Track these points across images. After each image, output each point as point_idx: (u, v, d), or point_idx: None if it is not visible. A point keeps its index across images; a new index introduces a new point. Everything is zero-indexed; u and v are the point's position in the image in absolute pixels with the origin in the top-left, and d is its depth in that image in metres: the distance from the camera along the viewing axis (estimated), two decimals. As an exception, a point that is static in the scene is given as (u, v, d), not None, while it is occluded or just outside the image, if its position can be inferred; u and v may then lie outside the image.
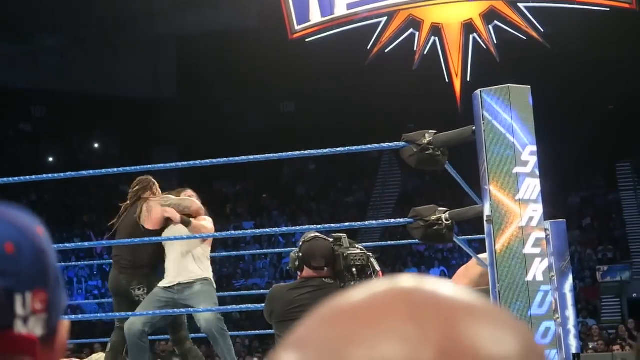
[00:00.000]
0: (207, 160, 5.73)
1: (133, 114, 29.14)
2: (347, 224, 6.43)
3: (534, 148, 4.18)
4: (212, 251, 6.94)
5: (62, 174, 6.21)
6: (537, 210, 4.09)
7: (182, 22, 28.86)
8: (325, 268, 4.82)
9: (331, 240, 4.89)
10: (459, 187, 5.48)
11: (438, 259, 25.46)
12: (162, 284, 6.50)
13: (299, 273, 4.89)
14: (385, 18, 25.58)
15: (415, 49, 25.43)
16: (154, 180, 6.91)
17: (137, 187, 6.89)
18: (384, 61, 25.43)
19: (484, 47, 25.08)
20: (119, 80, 29.51)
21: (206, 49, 28.65)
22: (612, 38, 25.50)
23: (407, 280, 0.57)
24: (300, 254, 4.84)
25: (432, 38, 25.46)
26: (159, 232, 6.64)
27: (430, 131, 4.61)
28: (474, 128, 4.32)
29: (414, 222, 4.70)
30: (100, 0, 27.56)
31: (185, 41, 29.74)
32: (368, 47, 25.61)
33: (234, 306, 7.70)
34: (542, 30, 24.77)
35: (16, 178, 6.07)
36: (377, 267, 4.91)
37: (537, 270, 4.02)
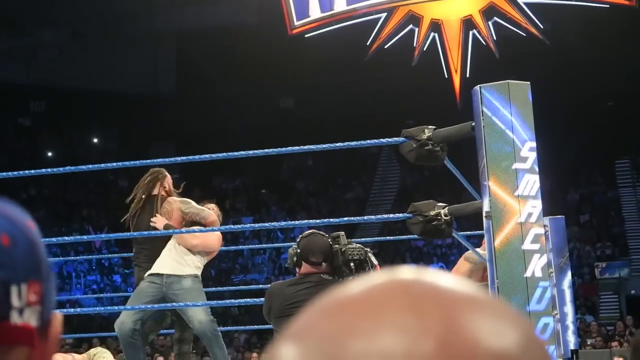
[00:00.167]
0: (206, 155, 5.73)
1: (132, 110, 29.14)
2: (345, 218, 6.43)
3: (534, 144, 4.18)
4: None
5: (61, 169, 6.20)
6: (536, 206, 4.10)
7: (182, 18, 28.84)
8: (324, 263, 4.84)
9: (329, 239, 4.90)
10: (458, 182, 5.48)
11: (437, 254, 25.48)
12: (149, 272, 6.43)
13: (297, 269, 4.91)
14: (385, 14, 25.57)
15: (414, 45, 25.42)
16: (166, 173, 6.85)
17: (148, 179, 6.83)
18: (383, 57, 25.42)
19: (484, 43, 25.08)
20: (118, 75, 29.51)
21: (206, 44, 28.63)
22: (611, 35, 25.49)
23: (407, 272, 0.57)
24: (299, 250, 4.85)
25: (432, 34, 25.45)
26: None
27: (430, 127, 4.61)
28: (473, 124, 4.32)
29: (413, 217, 4.70)
30: (99, -5, 27.57)
31: (185, 37, 29.72)
32: (367, 43, 25.60)
33: (233, 301, 7.70)
34: (542, 27, 24.76)
35: (15, 172, 6.06)
36: (375, 262, 4.92)
37: (536, 266, 4.02)
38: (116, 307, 6.52)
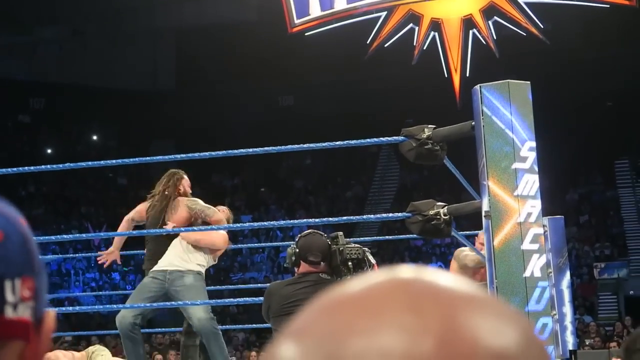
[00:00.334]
0: (206, 153, 5.74)
1: (132, 107, 29.13)
2: (345, 217, 6.43)
3: (533, 144, 4.18)
4: None
5: (60, 165, 6.20)
6: (535, 206, 4.09)
7: (182, 15, 28.84)
8: (322, 263, 4.85)
9: (327, 239, 4.91)
10: (457, 182, 5.48)
11: (435, 254, 25.47)
12: (152, 269, 6.49)
13: (296, 269, 4.92)
14: (385, 13, 25.57)
15: (414, 44, 25.41)
16: (182, 175, 6.88)
17: (164, 181, 6.87)
18: (383, 56, 25.42)
19: (484, 42, 25.08)
20: (117, 72, 29.50)
21: (205, 42, 28.64)
22: (611, 35, 25.50)
23: (406, 270, 0.57)
24: (297, 249, 4.86)
25: (432, 33, 25.45)
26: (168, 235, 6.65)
27: (430, 126, 4.61)
28: (473, 123, 4.31)
29: (412, 216, 4.70)
30: (99, -7, 27.56)
31: (185, 34, 29.72)
32: (367, 42, 25.59)
33: (231, 299, 7.69)
34: (542, 27, 24.76)
35: (14, 169, 6.06)
36: (373, 261, 4.93)
37: (535, 266, 4.02)
38: (115, 306, 6.53)
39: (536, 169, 4.15)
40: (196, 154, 5.79)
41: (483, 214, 4.14)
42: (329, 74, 27.46)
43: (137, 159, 6.13)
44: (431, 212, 4.63)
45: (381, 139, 5.22)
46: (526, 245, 4.03)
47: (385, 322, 0.52)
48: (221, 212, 6.74)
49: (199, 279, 6.47)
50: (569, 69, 26.46)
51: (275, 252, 26.20)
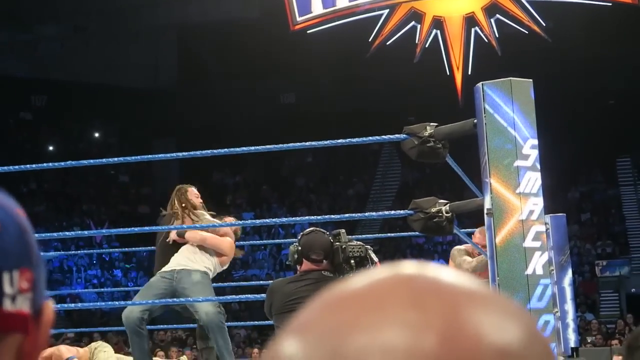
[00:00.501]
0: (207, 151, 5.73)
1: (133, 104, 29.12)
2: (346, 215, 6.43)
3: (535, 142, 4.18)
4: None
5: (62, 163, 6.22)
6: (537, 203, 4.09)
7: (184, 12, 28.82)
8: (324, 261, 4.85)
9: (330, 236, 4.92)
10: (459, 180, 5.48)
11: (437, 251, 25.47)
12: (161, 270, 6.59)
13: (298, 267, 4.92)
14: (387, 10, 25.56)
15: (416, 42, 25.41)
16: (186, 189, 6.96)
17: (171, 198, 7.01)
18: (385, 53, 25.42)
19: (486, 40, 25.07)
20: (119, 70, 29.49)
21: (207, 39, 28.64)
22: (613, 33, 25.48)
23: (409, 266, 0.57)
24: (299, 247, 4.87)
25: (434, 31, 25.45)
26: (174, 244, 6.75)
27: (432, 124, 4.61)
28: (475, 121, 4.31)
29: (414, 214, 4.70)
30: (101, -10, 27.56)
31: (187, 31, 29.71)
32: (369, 40, 25.59)
33: (233, 296, 7.70)
34: (544, 25, 24.77)
35: (16, 167, 6.06)
36: (375, 259, 4.93)
37: (537, 263, 4.02)
38: (117, 303, 6.55)
39: (538, 166, 4.15)
40: (197, 152, 5.80)
41: (485, 211, 4.14)
42: (331, 71, 27.45)
43: (138, 156, 6.13)
44: (433, 210, 4.63)
45: (383, 136, 5.22)
46: (528, 242, 4.03)
47: (388, 318, 0.52)
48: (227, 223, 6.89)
49: (206, 277, 6.58)
50: (570, 67, 26.45)
51: (277, 249, 26.21)
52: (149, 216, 26.34)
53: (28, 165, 6.14)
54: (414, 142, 4.58)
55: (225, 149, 5.75)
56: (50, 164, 6.10)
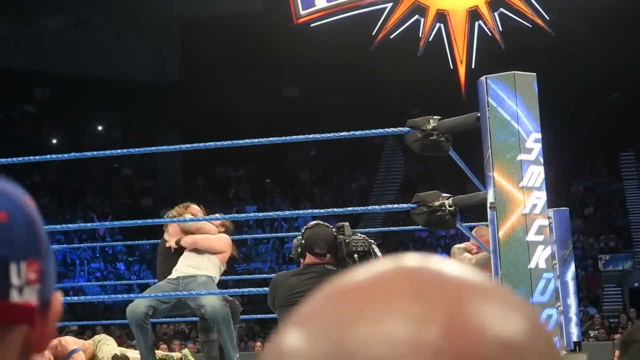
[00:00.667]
0: (211, 143, 5.74)
1: (137, 97, 29.12)
2: (349, 208, 6.44)
3: (539, 135, 4.17)
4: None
5: (65, 155, 6.22)
6: (540, 197, 4.09)
7: (188, 5, 28.80)
8: (328, 254, 4.85)
9: (334, 229, 4.91)
10: (462, 173, 5.48)
11: (440, 245, 25.47)
12: (168, 277, 6.70)
13: (301, 260, 4.92)
14: (391, 4, 25.55)
15: (420, 35, 25.39)
16: (188, 205, 7.02)
17: (176, 208, 7.12)
18: (388, 47, 25.40)
19: (489, 34, 25.05)
20: (123, 63, 29.48)
21: (211, 32, 28.59)
22: (617, 27, 25.44)
23: (412, 258, 0.57)
24: (303, 241, 4.86)
25: (437, 24, 25.43)
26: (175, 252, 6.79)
27: (435, 117, 4.61)
28: (478, 114, 4.31)
29: (417, 207, 4.70)
30: (105, -17, 27.56)
31: (191, 25, 29.70)
32: (373, 33, 25.58)
33: (236, 289, 7.72)
34: (547, 18, 24.74)
35: (19, 159, 6.07)
36: (379, 253, 4.93)
37: (540, 257, 4.02)
38: (120, 296, 6.57)
39: (541, 160, 4.15)
40: (201, 144, 5.80)
41: (488, 205, 4.14)
42: (334, 65, 27.42)
43: (142, 149, 6.13)
44: (436, 204, 4.63)
45: (386, 130, 5.22)
46: (531, 236, 4.03)
47: (391, 310, 0.52)
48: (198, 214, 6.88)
49: (211, 280, 6.66)
50: (574, 61, 26.41)
51: (280, 242, 26.22)
52: (152, 209, 26.36)
53: (31, 158, 6.15)
54: (417, 135, 4.58)
55: (229, 142, 5.75)
56: (54, 156, 6.10)
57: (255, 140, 5.63)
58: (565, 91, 25.75)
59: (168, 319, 7.69)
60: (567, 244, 7.52)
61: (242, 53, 27.82)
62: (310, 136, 5.59)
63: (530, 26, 24.79)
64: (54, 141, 30.20)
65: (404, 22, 25.52)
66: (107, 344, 7.38)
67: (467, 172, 5.31)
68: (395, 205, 6.24)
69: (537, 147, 4.15)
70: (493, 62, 14.24)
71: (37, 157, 6.15)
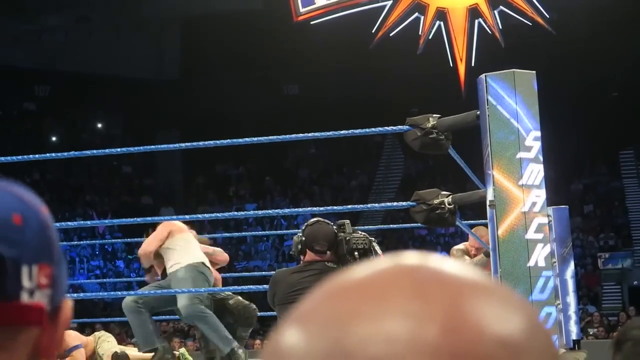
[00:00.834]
0: (210, 142, 5.73)
1: (137, 95, 29.12)
2: (349, 206, 6.43)
3: (538, 133, 4.17)
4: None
5: (65, 154, 6.21)
6: (540, 195, 4.09)
7: (188, 3, 28.80)
8: (328, 252, 4.84)
9: (334, 226, 4.91)
10: (461, 171, 5.48)
11: (440, 243, 25.48)
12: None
13: (302, 257, 4.91)
14: (391, 1, 25.55)
15: (420, 33, 25.39)
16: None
17: None
18: (388, 45, 25.39)
19: (489, 32, 25.04)
20: (123, 60, 29.47)
21: (211, 30, 28.59)
22: (617, 25, 25.44)
23: (412, 257, 0.57)
24: (303, 238, 4.86)
25: (437, 22, 25.42)
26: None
27: (434, 115, 4.61)
28: (478, 112, 4.31)
29: (417, 205, 4.70)
30: (105, -20, 27.55)
31: (190, 22, 29.69)
32: (373, 31, 25.57)
33: (235, 287, 7.72)
34: (548, 16, 24.74)
35: (19, 157, 6.06)
36: (379, 251, 4.93)
37: (539, 255, 4.02)
38: (119, 293, 6.58)
39: (541, 158, 4.15)
40: (200, 143, 5.79)
41: (487, 203, 4.14)
42: (334, 63, 27.42)
43: (141, 147, 6.14)
44: (436, 202, 4.63)
45: (386, 128, 5.21)
46: (530, 234, 4.03)
47: (390, 308, 0.52)
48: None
49: (190, 270, 6.53)
50: (574, 58, 26.42)
51: (279, 240, 26.22)
52: (151, 207, 26.38)
53: (31, 156, 6.15)
54: (416, 133, 4.58)
55: (228, 140, 5.75)
56: (54, 154, 6.10)
57: (255, 138, 5.62)
58: (565, 89, 25.75)
59: (168, 317, 7.67)
60: (567, 242, 7.52)
61: (242, 51, 27.81)
62: (310, 134, 5.59)
63: (530, 24, 24.79)
64: (54, 139, 30.20)
65: (404, 19, 25.52)
66: (107, 341, 7.41)
67: (466, 170, 5.31)
68: (395, 204, 6.24)
69: (537, 145, 4.15)
70: (493, 60, 14.25)
71: (37, 156, 6.15)
